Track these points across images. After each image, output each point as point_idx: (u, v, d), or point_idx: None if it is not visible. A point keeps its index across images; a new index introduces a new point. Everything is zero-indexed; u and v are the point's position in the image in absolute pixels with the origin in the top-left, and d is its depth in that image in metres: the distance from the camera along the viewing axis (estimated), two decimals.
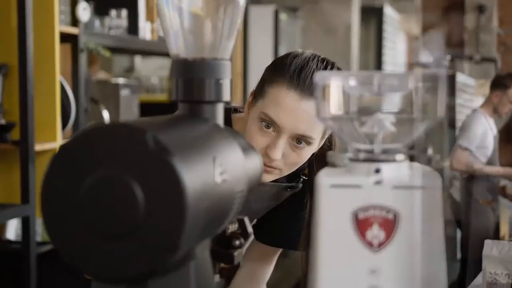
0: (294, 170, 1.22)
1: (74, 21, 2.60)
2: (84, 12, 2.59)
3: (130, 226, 0.53)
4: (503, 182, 4.38)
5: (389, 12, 6.90)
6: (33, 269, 2.35)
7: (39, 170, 2.35)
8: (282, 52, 4.36)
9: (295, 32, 5.35)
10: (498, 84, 4.26)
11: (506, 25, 6.17)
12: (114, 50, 3.30)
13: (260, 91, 1.20)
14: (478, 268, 1.82)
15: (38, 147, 2.37)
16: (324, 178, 0.60)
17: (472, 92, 5.56)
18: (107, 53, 2.76)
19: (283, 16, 4.91)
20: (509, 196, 4.44)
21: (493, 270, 1.70)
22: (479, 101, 4.92)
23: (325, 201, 0.60)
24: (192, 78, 0.67)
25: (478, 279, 1.89)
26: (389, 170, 0.60)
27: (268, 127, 1.16)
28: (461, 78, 5.42)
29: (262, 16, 4.82)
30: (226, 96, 0.69)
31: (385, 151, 0.62)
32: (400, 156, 0.62)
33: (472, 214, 4.04)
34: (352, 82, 0.62)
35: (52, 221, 0.56)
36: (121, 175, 0.53)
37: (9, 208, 2.30)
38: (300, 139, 1.16)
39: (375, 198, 0.59)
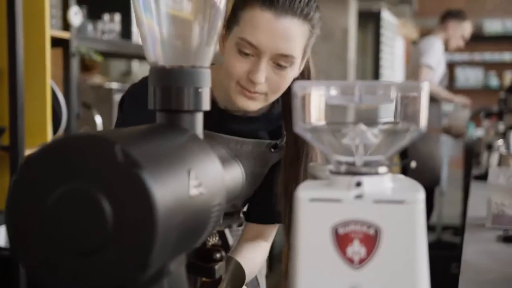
0: (278, 95, 1.19)
1: (66, 26, 2.58)
2: (75, 16, 2.56)
3: (97, 242, 0.51)
4: (446, 121, 4.54)
5: (386, 16, 6.88)
6: (22, 275, 2.32)
7: None
8: None
9: None
10: (456, 14, 4.35)
11: None
12: (107, 54, 3.27)
13: (233, 19, 1.18)
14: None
15: (28, 152, 2.33)
16: (303, 192, 0.58)
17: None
18: (99, 58, 2.73)
19: None
20: (453, 134, 4.60)
21: (500, 201, 1.55)
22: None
23: (304, 216, 0.58)
24: (170, 87, 0.65)
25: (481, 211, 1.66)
26: (370, 184, 0.58)
27: (246, 54, 1.14)
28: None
29: None
30: (206, 105, 0.67)
31: (367, 163, 0.59)
32: (382, 169, 0.59)
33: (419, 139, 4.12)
34: (333, 92, 0.60)
35: (17, 235, 0.53)
36: (88, 189, 0.51)
37: None
38: (280, 62, 1.15)
39: (355, 213, 0.57)
